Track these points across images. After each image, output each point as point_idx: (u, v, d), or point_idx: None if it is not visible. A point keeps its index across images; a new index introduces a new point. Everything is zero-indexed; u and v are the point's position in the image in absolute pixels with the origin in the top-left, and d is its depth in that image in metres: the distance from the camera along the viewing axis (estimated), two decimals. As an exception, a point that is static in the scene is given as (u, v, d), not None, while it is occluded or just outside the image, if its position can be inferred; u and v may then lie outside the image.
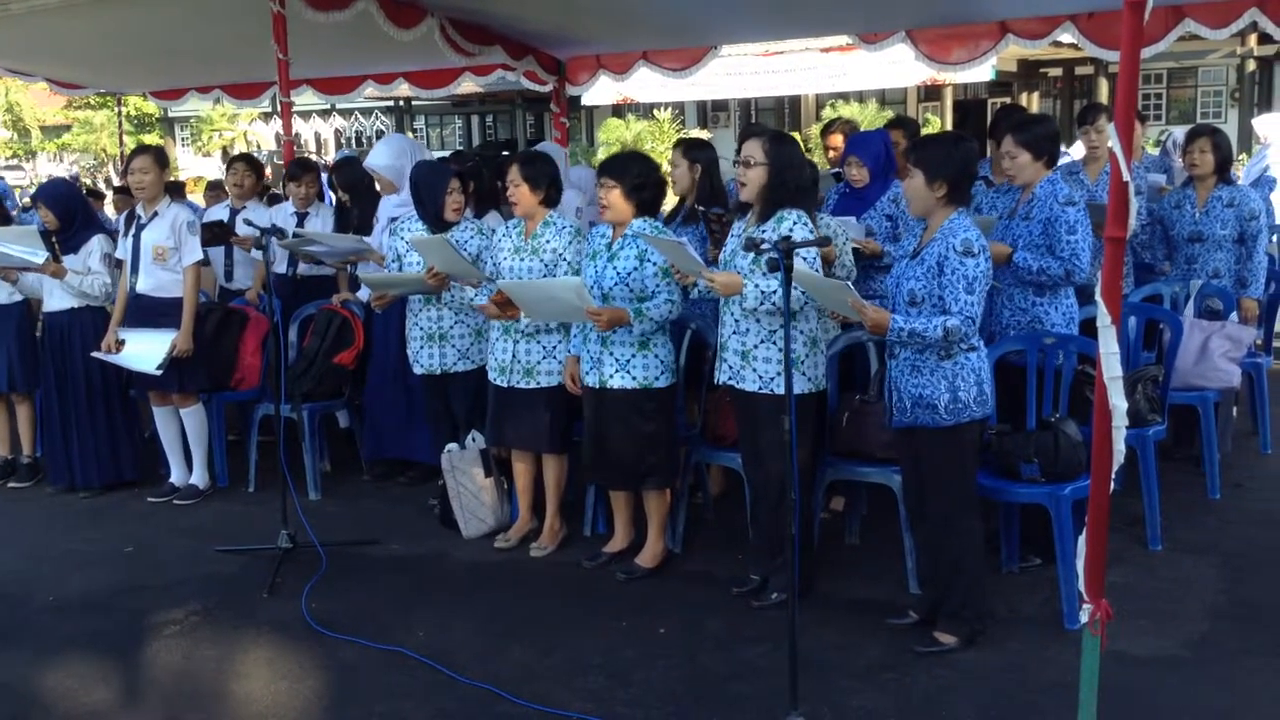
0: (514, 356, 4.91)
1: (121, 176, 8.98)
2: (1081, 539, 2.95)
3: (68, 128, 36.56)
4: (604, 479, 4.83)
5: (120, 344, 5.78)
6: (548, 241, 4.87)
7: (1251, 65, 25.55)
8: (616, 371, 4.56)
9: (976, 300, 3.74)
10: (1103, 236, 2.81)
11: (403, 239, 5.41)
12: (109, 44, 8.06)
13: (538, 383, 4.89)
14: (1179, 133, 8.20)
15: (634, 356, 4.56)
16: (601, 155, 22.36)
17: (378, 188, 6.25)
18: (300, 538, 4.95)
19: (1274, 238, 8.37)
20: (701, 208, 5.22)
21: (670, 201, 5.37)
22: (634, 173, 4.55)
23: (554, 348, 4.89)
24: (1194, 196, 5.80)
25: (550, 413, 4.91)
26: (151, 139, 31.51)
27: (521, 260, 4.88)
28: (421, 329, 5.37)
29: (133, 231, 5.80)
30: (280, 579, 4.73)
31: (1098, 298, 2.79)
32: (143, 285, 5.77)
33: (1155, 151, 8.96)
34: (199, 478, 6.03)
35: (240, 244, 6.74)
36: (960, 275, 3.72)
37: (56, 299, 5.99)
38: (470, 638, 4.21)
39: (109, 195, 12.33)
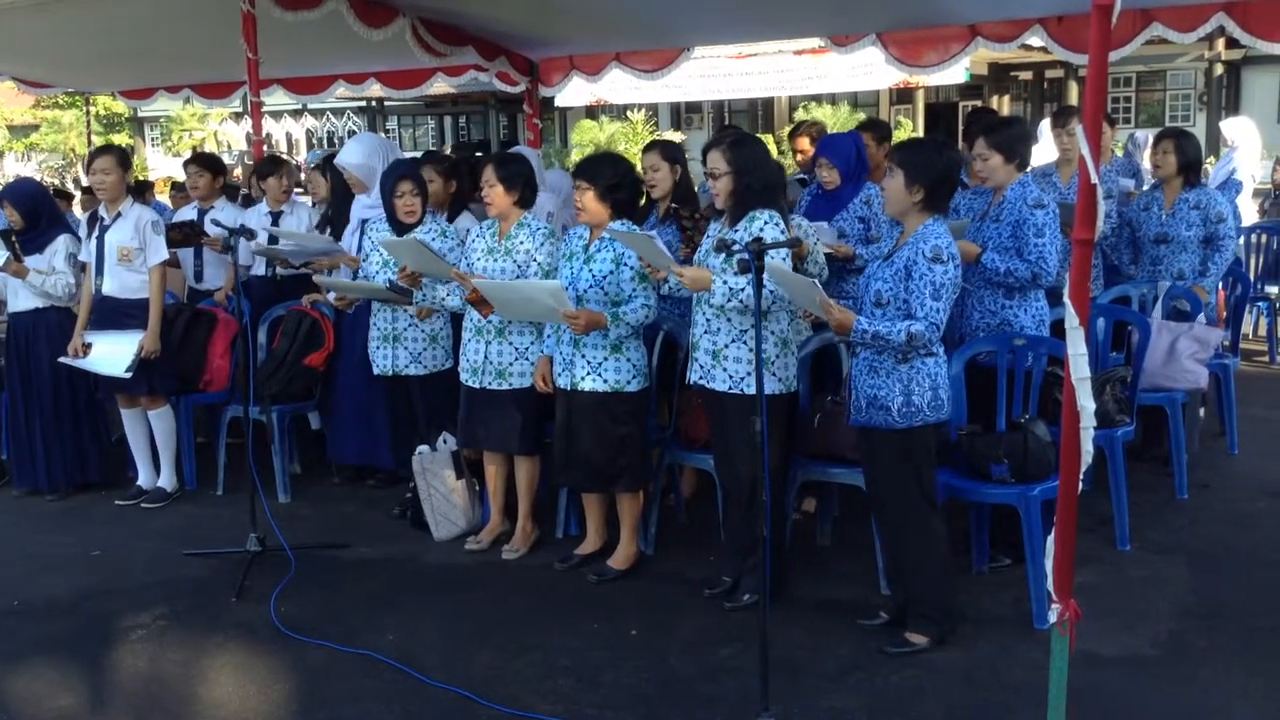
0: (486, 357, 4.89)
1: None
2: (1050, 539, 2.96)
3: (36, 127, 36.15)
4: (574, 481, 4.82)
5: (87, 348, 5.71)
6: (521, 243, 4.85)
7: (1219, 69, 25.84)
8: (588, 374, 4.55)
9: (943, 307, 3.75)
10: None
11: (369, 239, 5.41)
12: (77, 42, 7.98)
13: (510, 384, 4.87)
14: (1141, 134, 8.28)
15: (606, 359, 4.55)
16: (575, 157, 22.32)
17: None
18: (269, 541, 4.91)
19: (1239, 240, 8.46)
20: (675, 205, 5.22)
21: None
22: (608, 174, 4.53)
23: (526, 349, 4.88)
24: (1161, 199, 5.85)
25: (522, 414, 4.89)
26: (121, 139, 31.24)
27: (495, 261, 4.86)
28: (378, 329, 5.39)
29: (96, 233, 5.74)
30: (249, 582, 4.69)
31: (1066, 299, 2.80)
32: (109, 287, 5.71)
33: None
34: (167, 480, 5.97)
35: (210, 245, 6.69)
36: (928, 281, 3.73)
37: (22, 299, 5.91)
38: (440, 640, 4.19)
39: (77, 195, 12.19)
